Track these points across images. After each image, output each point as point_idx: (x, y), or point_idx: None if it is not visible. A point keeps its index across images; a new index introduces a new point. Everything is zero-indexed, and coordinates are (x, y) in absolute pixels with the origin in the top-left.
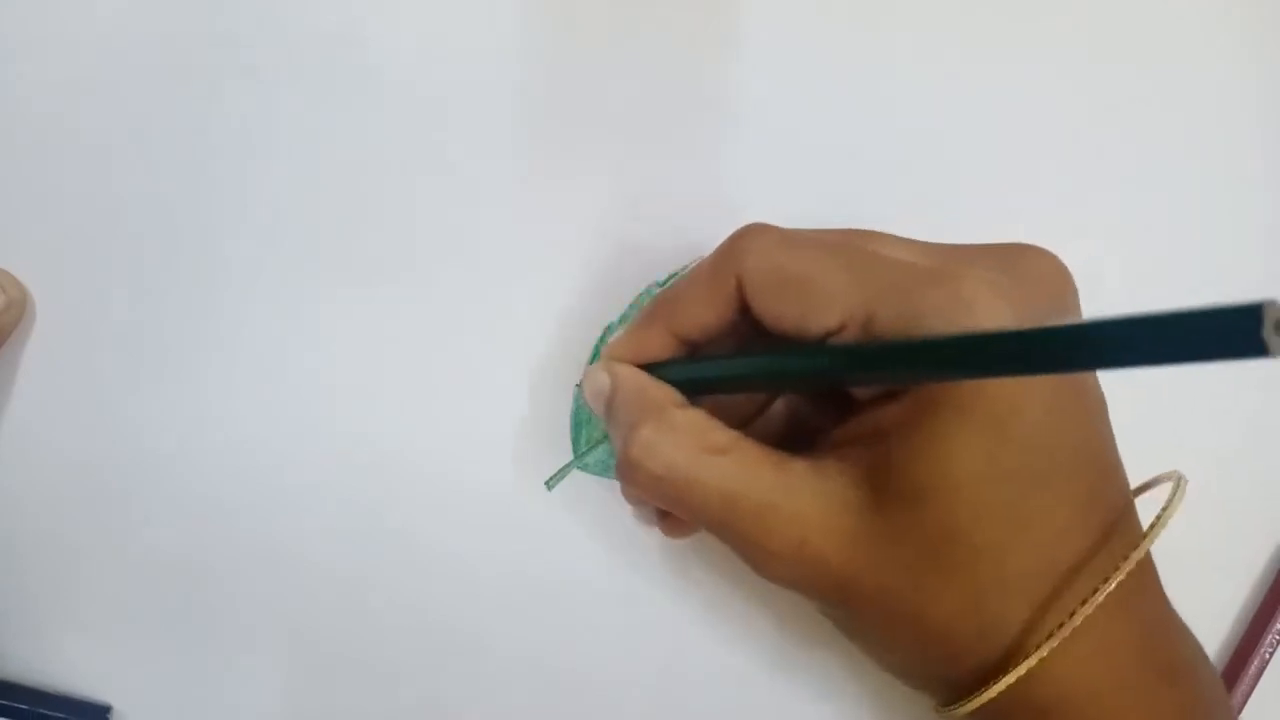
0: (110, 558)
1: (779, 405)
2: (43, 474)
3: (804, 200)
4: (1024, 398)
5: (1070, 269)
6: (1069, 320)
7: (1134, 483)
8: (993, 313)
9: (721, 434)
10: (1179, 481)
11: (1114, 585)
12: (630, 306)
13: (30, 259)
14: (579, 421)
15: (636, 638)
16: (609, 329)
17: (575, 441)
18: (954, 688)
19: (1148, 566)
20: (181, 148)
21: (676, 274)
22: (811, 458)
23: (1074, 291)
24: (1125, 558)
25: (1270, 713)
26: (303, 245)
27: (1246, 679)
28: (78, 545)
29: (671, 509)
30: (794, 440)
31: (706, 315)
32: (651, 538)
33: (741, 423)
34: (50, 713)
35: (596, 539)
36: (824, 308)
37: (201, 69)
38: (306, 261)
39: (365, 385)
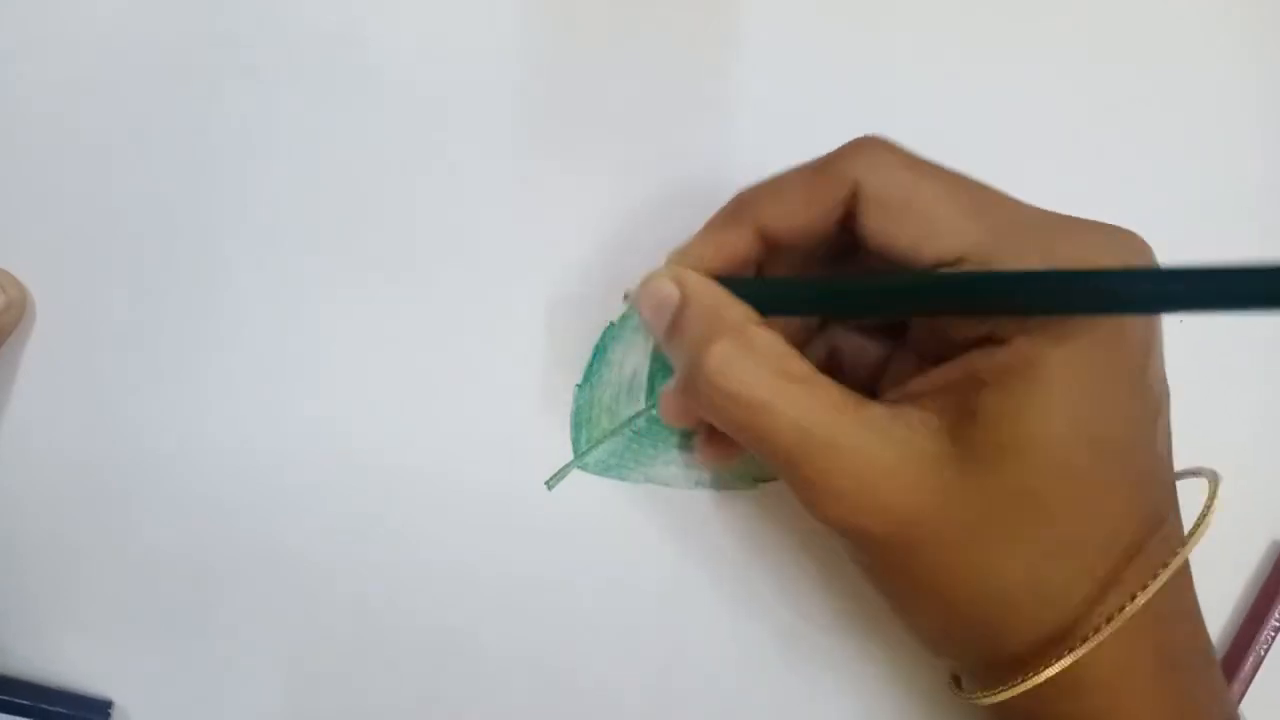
0: (110, 557)
1: (818, 342)
2: (43, 474)
3: None
4: (1119, 368)
5: None
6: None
7: None
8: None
9: (801, 364)
10: (1214, 482)
11: (1170, 571)
12: (630, 306)
13: (30, 259)
14: (579, 422)
15: (636, 638)
16: (609, 328)
17: (575, 441)
18: (988, 661)
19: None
20: (181, 148)
21: None
22: (890, 404)
23: None
24: (1170, 544)
25: (1266, 708)
26: (303, 245)
27: (1242, 675)
28: (78, 544)
29: (735, 433)
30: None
31: (806, 214)
32: (652, 538)
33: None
34: (52, 708)
35: (596, 539)
36: (944, 237)
37: (201, 69)
38: (306, 261)
39: (365, 385)
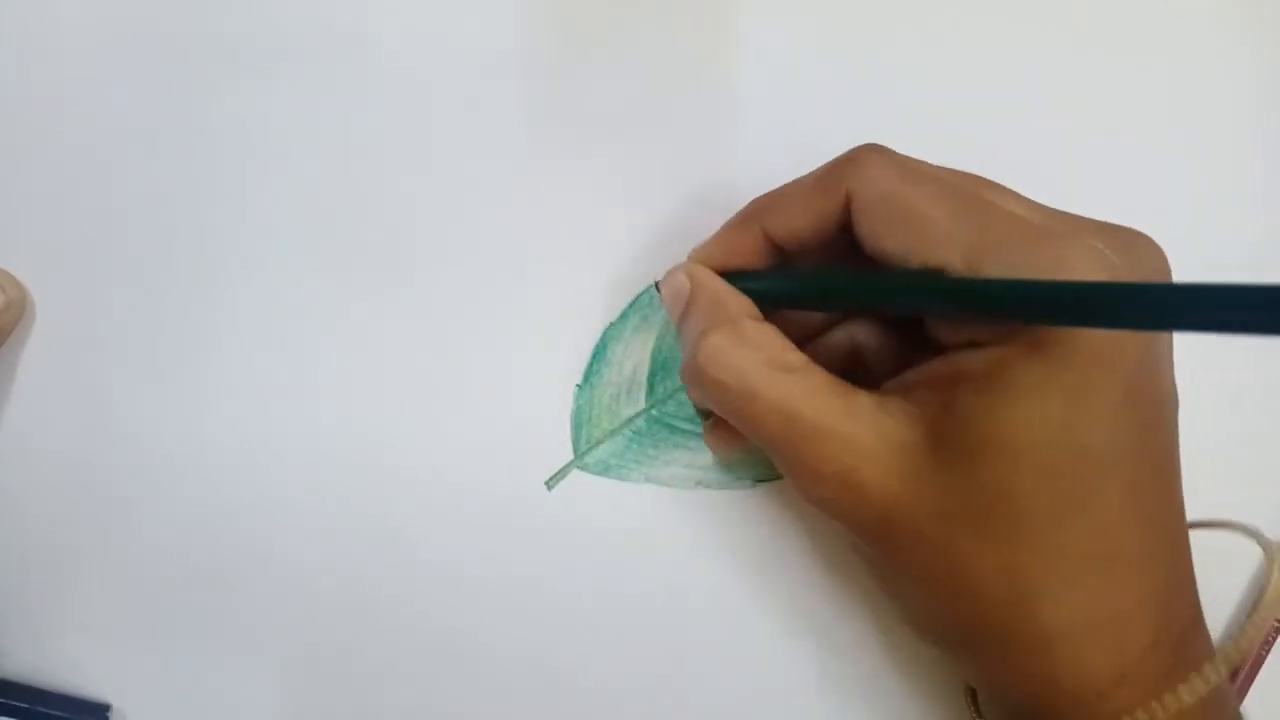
0: (110, 557)
1: (839, 335)
2: (42, 474)
3: None
4: (1105, 378)
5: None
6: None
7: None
8: (1089, 279)
9: (792, 354)
10: (1273, 556)
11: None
12: (630, 306)
13: (30, 259)
14: (579, 422)
15: (636, 638)
16: (609, 328)
17: (575, 441)
18: (972, 653)
19: (1189, 569)
20: (181, 148)
21: None
22: (877, 393)
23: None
24: (1168, 559)
25: (1267, 710)
26: (302, 245)
27: (1241, 678)
28: (77, 545)
29: (731, 418)
30: (850, 373)
31: (806, 222)
32: (651, 538)
33: (798, 344)
34: (50, 711)
35: (597, 539)
36: (933, 245)
37: (201, 69)
38: (306, 261)
39: (365, 385)
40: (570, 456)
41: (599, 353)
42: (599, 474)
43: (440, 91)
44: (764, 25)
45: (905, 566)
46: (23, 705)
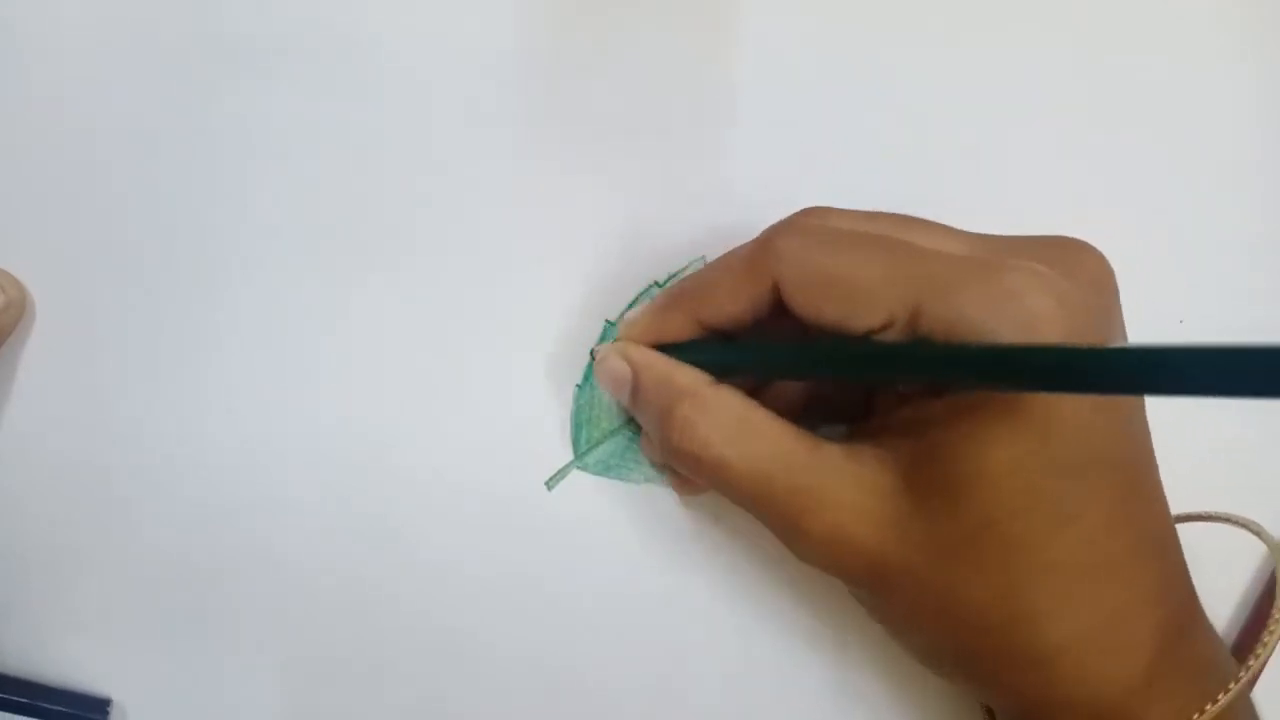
0: (110, 556)
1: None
2: (42, 474)
3: (804, 199)
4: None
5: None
6: (1118, 341)
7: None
8: (1038, 306)
9: (756, 413)
10: (1274, 548)
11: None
12: (630, 306)
13: (30, 259)
14: (579, 422)
15: (636, 638)
16: (608, 326)
17: (575, 441)
18: (984, 683)
19: (1182, 565)
20: (181, 148)
21: (678, 273)
22: (847, 444)
23: (1115, 288)
24: (1168, 571)
25: (1267, 712)
26: (302, 245)
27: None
28: (77, 544)
29: (712, 487)
30: (816, 408)
31: (737, 308)
32: (651, 538)
33: (757, 390)
34: (50, 706)
35: (596, 539)
36: (868, 307)
37: (201, 69)
38: (306, 262)
39: (365, 385)
40: (570, 456)
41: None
42: (599, 474)
43: (440, 91)
44: (764, 25)
45: (904, 607)
46: (23, 701)
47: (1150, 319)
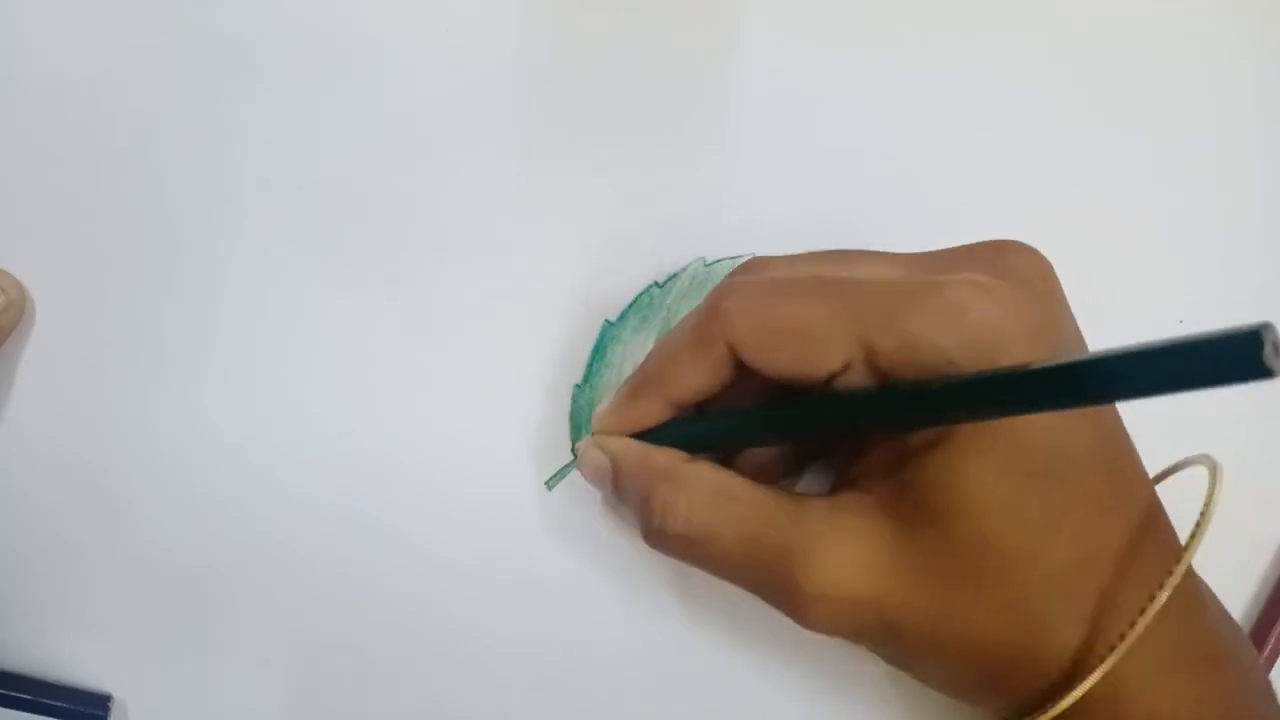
0: (110, 555)
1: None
2: (43, 474)
3: (804, 200)
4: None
5: (1053, 264)
6: (1068, 354)
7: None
8: (983, 315)
9: (733, 481)
10: (1215, 469)
11: (1168, 591)
12: (630, 306)
13: (30, 259)
14: (579, 422)
15: (637, 638)
16: (608, 326)
17: (575, 441)
18: (1011, 697)
19: (1174, 538)
20: (181, 148)
21: (677, 275)
22: (828, 496)
23: (1058, 284)
24: (1160, 547)
25: None
26: (302, 245)
27: (1268, 649)
28: (78, 543)
29: (703, 567)
30: (793, 459)
31: (700, 381)
32: None
33: (732, 458)
34: (51, 702)
35: (596, 539)
36: (822, 352)
37: (202, 69)
38: (306, 261)
39: (365, 385)
40: (570, 457)
41: (598, 353)
42: None
43: (440, 91)
44: (764, 25)
45: (918, 646)
46: (25, 697)
47: (1150, 319)
